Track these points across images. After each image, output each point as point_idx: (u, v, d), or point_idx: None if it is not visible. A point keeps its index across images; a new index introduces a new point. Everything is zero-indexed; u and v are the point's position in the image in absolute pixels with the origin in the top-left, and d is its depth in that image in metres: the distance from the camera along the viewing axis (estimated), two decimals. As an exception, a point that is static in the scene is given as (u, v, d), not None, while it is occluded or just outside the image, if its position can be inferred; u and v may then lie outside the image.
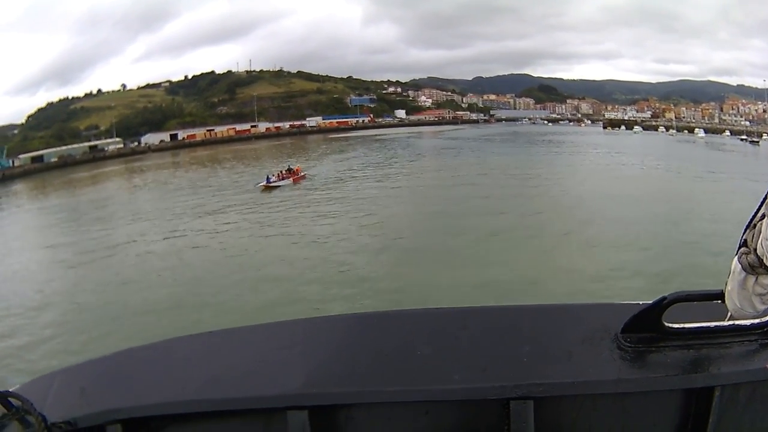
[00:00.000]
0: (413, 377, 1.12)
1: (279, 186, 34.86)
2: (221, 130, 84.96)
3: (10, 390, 1.28)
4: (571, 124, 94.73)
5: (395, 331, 1.25)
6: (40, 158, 70.77)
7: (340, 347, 1.24)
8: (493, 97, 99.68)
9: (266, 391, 1.17)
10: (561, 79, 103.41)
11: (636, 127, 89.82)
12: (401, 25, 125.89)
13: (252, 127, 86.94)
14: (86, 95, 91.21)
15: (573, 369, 1.08)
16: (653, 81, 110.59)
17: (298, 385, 1.14)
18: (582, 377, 1.06)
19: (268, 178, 35.25)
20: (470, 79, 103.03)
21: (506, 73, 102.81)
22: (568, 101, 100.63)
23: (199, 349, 1.35)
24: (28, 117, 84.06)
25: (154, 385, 1.27)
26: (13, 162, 67.31)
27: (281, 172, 37.52)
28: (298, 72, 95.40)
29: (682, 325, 1.12)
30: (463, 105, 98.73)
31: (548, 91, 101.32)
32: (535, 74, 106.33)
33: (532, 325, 1.20)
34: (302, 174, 38.68)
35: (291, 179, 36.38)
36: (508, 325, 1.21)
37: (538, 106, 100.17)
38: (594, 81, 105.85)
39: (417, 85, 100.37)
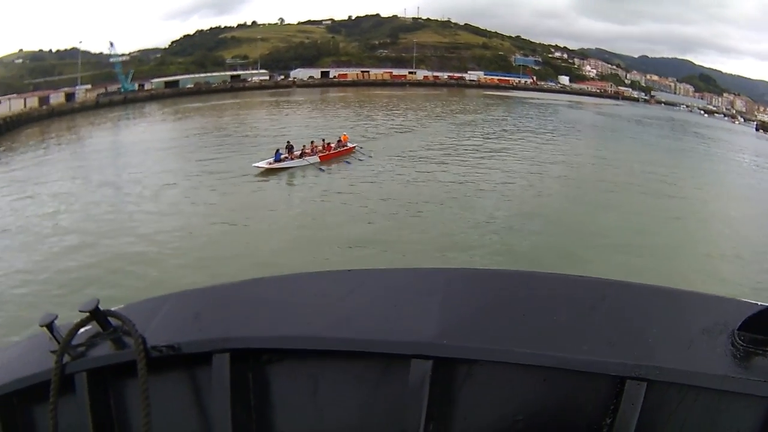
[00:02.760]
0: (542, 341, 1.09)
1: (289, 168, 23.63)
2: (376, 73, 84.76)
3: (113, 309, 1.23)
4: (726, 119, 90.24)
5: (535, 293, 1.21)
6: (176, 83, 66.74)
7: (477, 301, 1.20)
8: (655, 78, 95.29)
9: (394, 336, 1.13)
10: (719, 71, 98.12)
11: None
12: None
13: (410, 73, 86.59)
14: (239, 26, 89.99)
15: (689, 358, 1.06)
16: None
17: (428, 334, 1.10)
18: (694, 367, 1.04)
19: (277, 154, 24.08)
20: (636, 56, 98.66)
21: (670, 56, 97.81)
22: (724, 95, 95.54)
23: (330, 286, 1.30)
24: (172, 42, 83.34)
25: (275, 317, 1.21)
26: (142, 86, 63.59)
27: (305, 146, 25.42)
28: (466, 25, 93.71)
29: None
30: (626, 81, 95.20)
31: (707, 81, 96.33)
32: (696, 62, 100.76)
33: (662, 307, 1.17)
34: (346, 147, 26.94)
35: (317, 156, 25.04)
36: (642, 304, 1.18)
37: (697, 94, 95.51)
38: (748, 79, 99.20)
39: (584, 54, 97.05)
